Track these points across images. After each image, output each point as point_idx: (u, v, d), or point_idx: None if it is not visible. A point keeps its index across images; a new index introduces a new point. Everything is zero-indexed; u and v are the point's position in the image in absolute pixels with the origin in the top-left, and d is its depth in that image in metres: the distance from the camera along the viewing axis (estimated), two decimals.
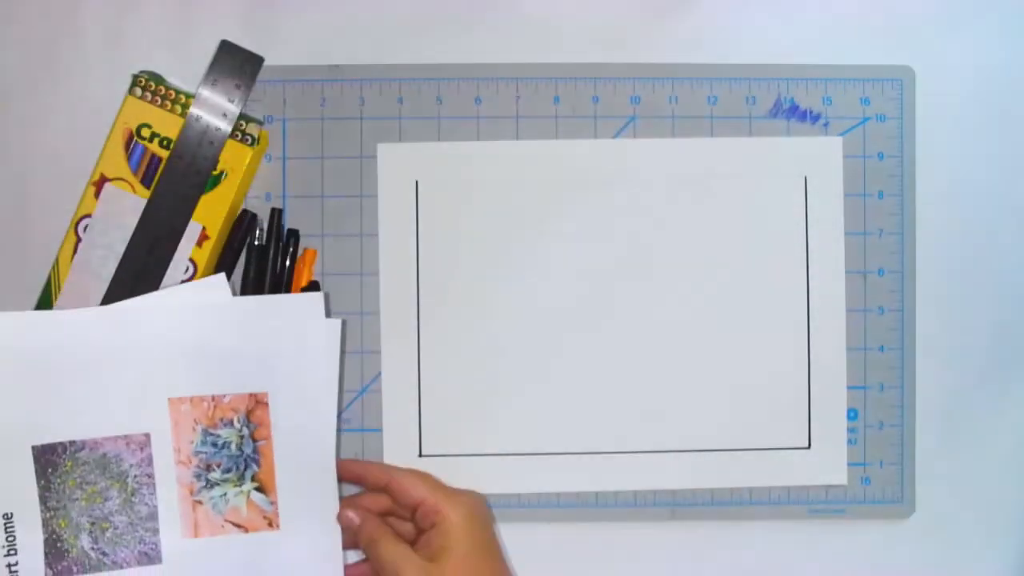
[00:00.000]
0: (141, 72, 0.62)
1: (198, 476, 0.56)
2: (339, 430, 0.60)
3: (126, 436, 0.56)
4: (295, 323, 0.57)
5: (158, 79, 0.62)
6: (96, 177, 0.62)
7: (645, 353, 0.64)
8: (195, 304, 0.57)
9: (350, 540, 0.58)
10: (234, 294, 0.64)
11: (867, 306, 0.65)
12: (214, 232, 0.62)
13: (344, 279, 0.64)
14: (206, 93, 0.62)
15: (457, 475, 0.63)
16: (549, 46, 0.65)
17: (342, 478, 0.59)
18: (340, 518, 0.57)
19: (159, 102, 0.62)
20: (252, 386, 0.57)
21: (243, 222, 0.63)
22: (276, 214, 0.64)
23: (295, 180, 0.65)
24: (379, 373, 0.64)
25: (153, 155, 0.62)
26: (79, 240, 0.62)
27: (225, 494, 0.56)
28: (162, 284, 0.61)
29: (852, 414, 0.65)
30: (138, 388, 0.56)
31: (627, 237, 0.65)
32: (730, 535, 0.65)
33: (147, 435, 0.56)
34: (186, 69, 0.63)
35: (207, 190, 0.62)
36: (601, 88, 0.65)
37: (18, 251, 0.64)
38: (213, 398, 0.57)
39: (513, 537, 0.64)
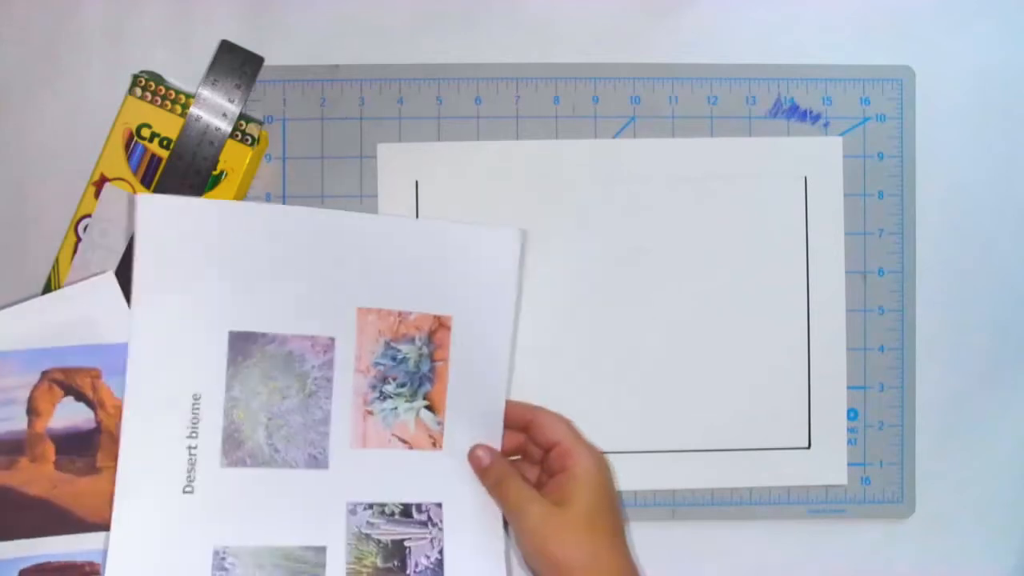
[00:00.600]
0: (141, 72, 0.62)
1: (373, 387, 0.57)
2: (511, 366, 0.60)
3: (312, 337, 0.57)
4: (491, 256, 0.59)
5: (158, 79, 0.63)
6: (96, 177, 0.62)
7: (645, 353, 0.64)
8: (392, 221, 0.59)
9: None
10: None
11: (867, 306, 0.65)
12: None
13: None
14: (206, 93, 0.62)
15: None
16: (549, 46, 0.65)
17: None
18: (470, 457, 0.58)
19: (159, 102, 0.62)
20: (439, 308, 0.58)
21: None
22: None
23: (295, 180, 0.65)
24: None
25: (153, 155, 0.62)
26: (79, 240, 0.62)
27: (396, 408, 0.57)
28: None
29: (852, 414, 0.65)
30: (330, 293, 0.57)
31: (627, 237, 0.65)
32: (730, 535, 0.65)
33: (332, 339, 0.57)
34: (186, 69, 0.63)
35: (207, 190, 0.62)
36: (601, 88, 0.65)
37: (18, 251, 0.64)
38: (400, 313, 0.57)
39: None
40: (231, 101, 0.62)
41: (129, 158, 0.62)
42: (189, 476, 0.55)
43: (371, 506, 0.56)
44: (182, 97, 0.62)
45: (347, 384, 0.57)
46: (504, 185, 0.65)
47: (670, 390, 0.64)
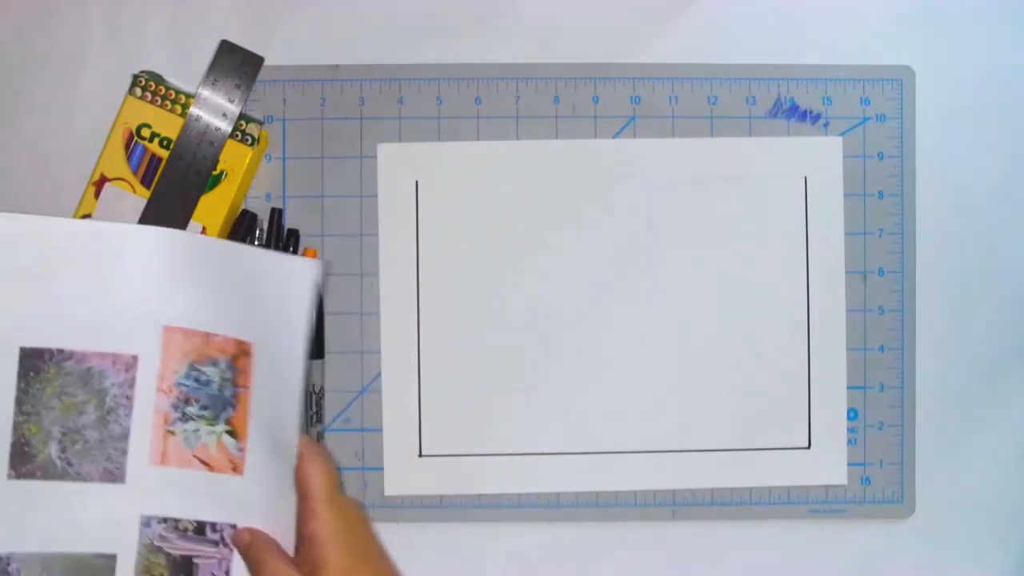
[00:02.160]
0: (141, 72, 0.62)
1: (175, 407, 0.56)
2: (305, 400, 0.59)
3: (114, 354, 0.56)
4: (288, 285, 0.57)
5: (158, 79, 0.63)
6: (96, 177, 0.62)
7: (645, 353, 0.64)
8: (197, 242, 0.57)
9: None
10: None
11: (867, 306, 0.65)
12: (214, 232, 0.62)
13: (344, 279, 0.64)
14: (206, 93, 0.62)
15: (457, 475, 0.64)
16: (549, 46, 0.65)
17: None
18: (233, 539, 0.57)
19: (159, 102, 0.62)
20: (241, 333, 0.57)
21: (243, 222, 0.63)
22: (276, 214, 0.64)
23: (295, 180, 0.65)
24: (379, 373, 0.64)
25: (153, 155, 0.62)
26: None
27: (198, 430, 0.56)
28: None
29: (852, 414, 0.65)
30: (133, 310, 0.56)
31: (627, 237, 0.65)
32: (730, 535, 0.65)
33: (135, 357, 0.56)
34: (186, 69, 0.63)
35: (207, 190, 0.62)
36: (601, 88, 0.65)
37: None
38: (206, 335, 0.56)
39: (513, 537, 0.64)
40: (231, 101, 0.62)
41: (129, 158, 0.62)
42: None
43: (165, 520, 0.56)
44: (182, 97, 0.62)
45: (148, 402, 0.56)
46: (504, 185, 0.65)
47: (670, 390, 0.64)
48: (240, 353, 0.57)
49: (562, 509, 0.65)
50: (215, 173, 0.62)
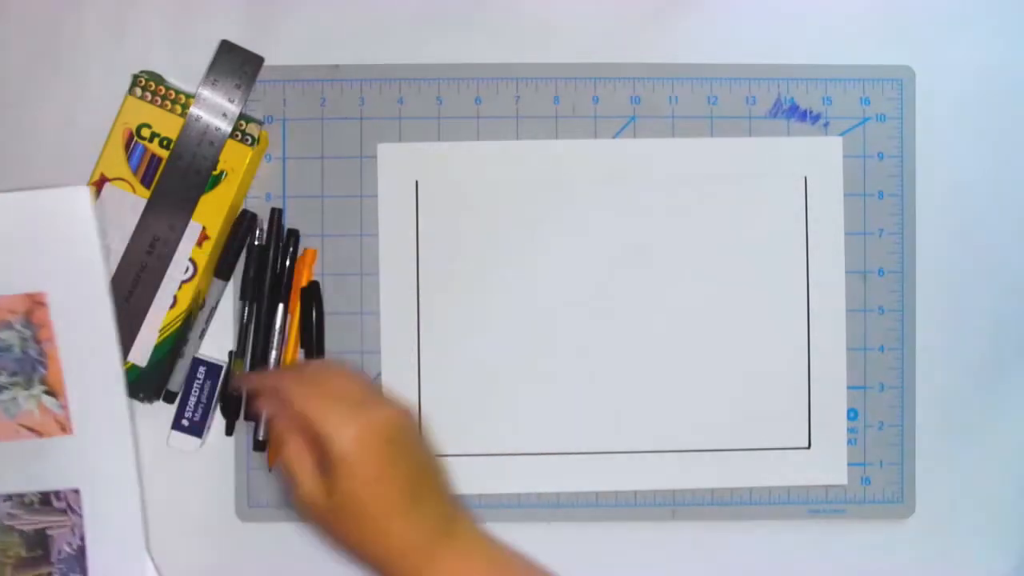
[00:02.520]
0: (141, 72, 0.62)
1: None
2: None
3: None
4: (61, 219, 0.56)
5: (158, 79, 0.63)
6: (96, 177, 0.62)
7: (645, 353, 0.64)
8: None
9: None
10: (236, 295, 0.64)
11: (867, 306, 0.65)
12: (214, 232, 0.62)
13: (344, 279, 0.64)
14: (206, 93, 0.62)
15: (457, 475, 0.63)
16: (549, 46, 0.65)
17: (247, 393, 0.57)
18: (259, 406, 0.54)
19: (159, 102, 0.62)
20: (28, 286, 0.55)
21: (243, 222, 0.63)
22: (276, 214, 0.64)
23: (295, 180, 0.64)
24: (379, 373, 0.64)
25: (153, 155, 0.62)
26: None
27: (15, 398, 0.55)
28: (162, 284, 0.61)
29: (852, 414, 0.65)
30: None
31: (627, 237, 0.65)
32: (730, 535, 0.65)
33: None
34: (186, 69, 0.63)
35: (207, 190, 0.62)
36: (601, 88, 0.65)
37: None
38: None
39: (513, 537, 0.63)
40: (231, 101, 0.62)
41: (129, 158, 0.62)
42: None
43: (10, 497, 0.56)
44: (182, 97, 0.62)
45: None
46: (504, 185, 0.65)
47: (670, 390, 0.64)
48: (34, 306, 0.55)
49: (562, 509, 0.65)
50: (215, 173, 0.62)
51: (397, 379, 0.64)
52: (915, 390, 0.65)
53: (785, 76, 0.65)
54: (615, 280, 0.65)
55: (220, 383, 0.63)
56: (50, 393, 0.55)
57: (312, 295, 0.63)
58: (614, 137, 0.65)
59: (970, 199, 0.66)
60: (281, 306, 0.63)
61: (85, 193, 0.55)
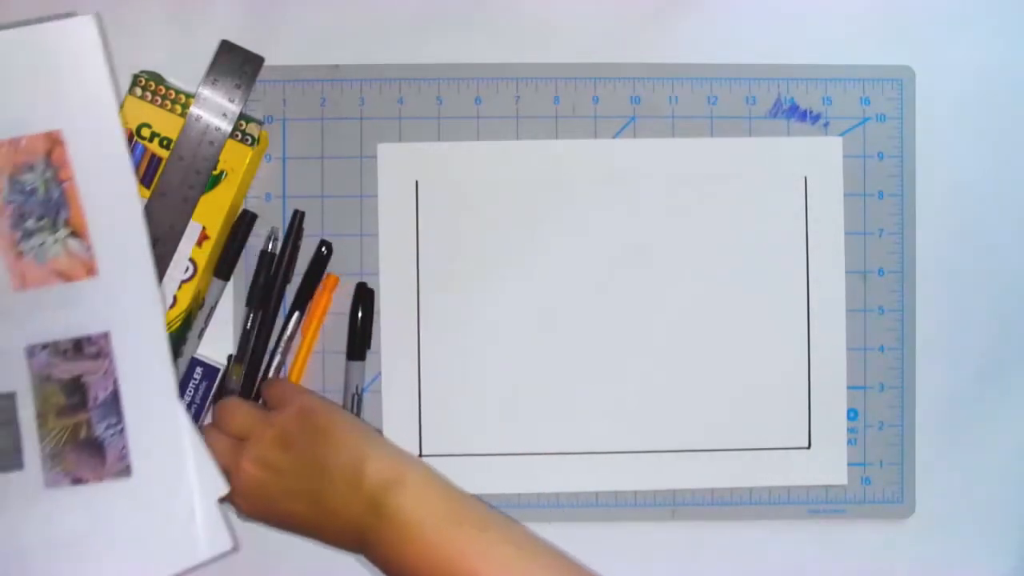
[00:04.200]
0: (141, 72, 0.62)
1: (15, 226, 0.56)
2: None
3: None
4: (70, 51, 0.56)
5: (158, 79, 0.62)
6: None
7: (645, 353, 0.64)
8: None
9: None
10: (234, 296, 0.64)
11: (867, 306, 0.65)
12: (214, 232, 0.62)
13: (344, 279, 0.64)
14: (206, 93, 0.62)
15: (457, 475, 0.63)
16: (549, 46, 0.65)
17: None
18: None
19: (159, 102, 0.62)
20: (44, 124, 0.55)
21: (243, 222, 0.63)
22: (298, 217, 0.64)
23: (295, 180, 0.65)
24: (379, 373, 0.64)
25: (153, 155, 0.62)
26: None
27: (44, 243, 0.56)
28: (161, 283, 0.61)
29: (852, 414, 0.65)
30: None
31: (627, 237, 0.65)
32: (730, 535, 0.65)
33: None
34: (186, 69, 0.63)
35: (207, 190, 0.62)
36: (601, 88, 0.65)
37: None
38: (10, 142, 0.56)
39: None
40: (231, 101, 0.62)
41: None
42: None
43: (46, 346, 0.57)
44: (182, 97, 0.62)
45: None
46: (504, 185, 0.65)
47: (670, 390, 0.64)
48: (52, 145, 0.55)
49: (562, 509, 0.65)
50: (215, 173, 0.62)
51: (397, 379, 0.64)
52: (915, 390, 0.65)
53: (785, 76, 0.65)
54: (615, 280, 0.64)
55: (216, 386, 0.63)
56: (75, 235, 0.56)
57: (363, 296, 0.64)
58: (614, 137, 0.65)
59: (970, 199, 0.66)
60: (296, 314, 0.63)
61: (91, 22, 0.56)
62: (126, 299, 0.57)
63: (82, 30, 0.55)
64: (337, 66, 0.65)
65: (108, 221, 0.56)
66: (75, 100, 0.56)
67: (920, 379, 0.65)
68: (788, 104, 0.65)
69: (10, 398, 0.57)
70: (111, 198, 0.56)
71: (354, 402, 0.63)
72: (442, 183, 0.65)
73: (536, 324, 0.64)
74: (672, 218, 0.65)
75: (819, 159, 0.65)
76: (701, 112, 0.65)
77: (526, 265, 0.64)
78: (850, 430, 0.65)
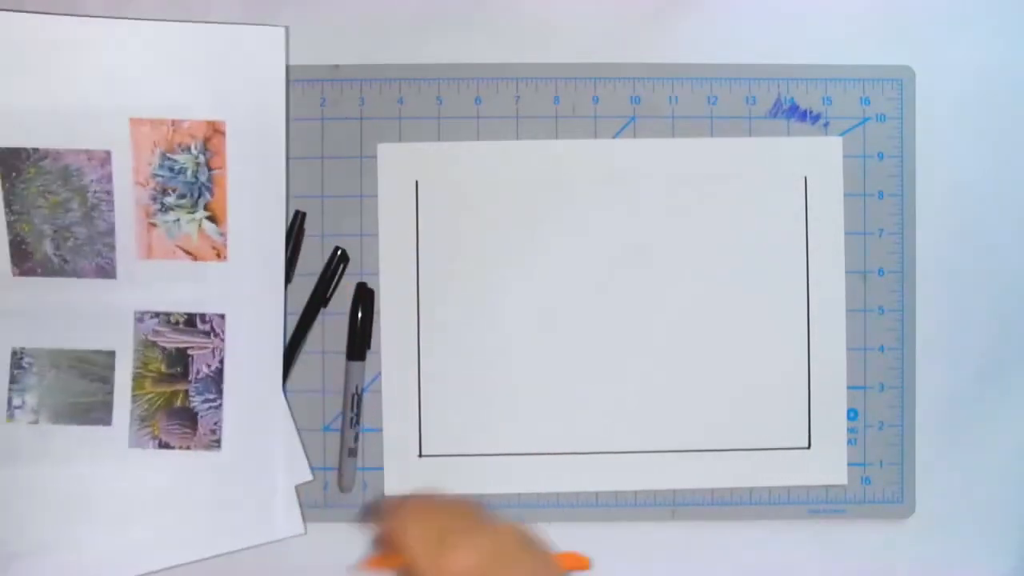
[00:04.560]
0: None
1: (154, 199, 0.58)
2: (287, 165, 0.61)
3: (87, 151, 0.58)
4: (253, 55, 0.59)
5: None
6: None
7: (645, 353, 0.64)
8: (156, 28, 0.59)
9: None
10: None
11: (867, 306, 0.65)
12: None
13: (344, 279, 0.64)
14: None
15: (457, 475, 0.64)
16: (549, 46, 0.65)
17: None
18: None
19: None
20: (211, 113, 0.58)
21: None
22: (300, 218, 0.63)
23: (295, 180, 0.64)
24: (379, 373, 0.64)
25: None
26: None
27: (178, 220, 0.58)
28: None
29: (852, 414, 0.65)
30: (99, 104, 0.58)
31: (627, 237, 0.65)
32: (730, 535, 0.65)
33: (108, 152, 0.58)
34: None
35: None
36: (601, 88, 0.65)
37: None
38: (173, 122, 0.58)
39: None
40: None
41: None
42: None
43: (157, 315, 0.59)
44: None
45: (128, 197, 0.58)
46: (504, 185, 0.65)
47: (670, 390, 0.64)
48: (213, 133, 0.57)
49: (562, 509, 0.65)
50: None
51: (397, 379, 0.64)
52: (915, 390, 0.65)
53: (785, 76, 0.65)
54: (615, 280, 0.64)
55: None
56: (212, 219, 0.59)
57: (363, 296, 0.64)
58: (614, 137, 0.65)
59: (970, 199, 0.66)
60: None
61: (280, 34, 0.59)
62: (249, 287, 0.59)
63: (272, 39, 0.59)
64: (337, 66, 0.65)
65: (249, 214, 0.59)
66: (247, 99, 0.58)
67: (920, 379, 0.65)
68: (788, 104, 0.65)
69: (110, 355, 0.59)
70: (257, 195, 0.59)
71: (354, 402, 0.63)
72: (442, 183, 0.65)
73: (536, 324, 0.64)
74: (672, 218, 0.65)
75: (819, 159, 0.65)
76: (701, 112, 0.65)
77: (526, 265, 0.64)
78: (850, 430, 0.65)
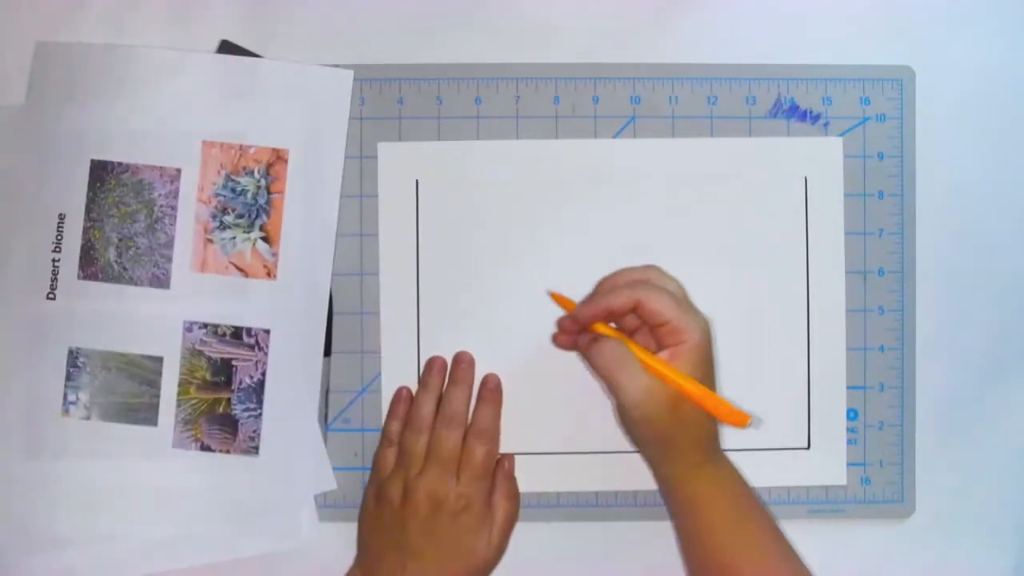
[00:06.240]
0: None
1: (214, 216, 0.62)
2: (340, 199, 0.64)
3: (161, 167, 0.62)
4: (322, 92, 0.63)
5: None
6: None
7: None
8: (236, 64, 0.63)
9: (570, 343, 0.62)
10: None
11: (867, 306, 0.65)
12: None
13: (344, 279, 0.64)
14: None
15: None
16: (549, 46, 0.65)
17: (584, 319, 0.60)
18: (570, 343, 0.62)
19: None
20: (277, 141, 0.62)
21: None
22: None
23: None
24: (379, 373, 0.64)
25: None
26: None
27: (234, 238, 0.62)
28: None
29: (852, 414, 0.65)
30: (178, 128, 0.62)
31: (627, 237, 0.65)
32: None
33: (178, 169, 0.62)
34: None
35: None
36: (601, 88, 0.65)
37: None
38: (241, 147, 0.62)
39: (514, 537, 0.64)
40: None
41: None
42: (52, 285, 0.62)
43: (205, 326, 0.62)
44: None
45: (190, 212, 0.62)
46: (504, 185, 0.65)
47: None
48: (276, 160, 0.62)
49: (562, 509, 0.65)
50: None
51: (397, 379, 0.64)
52: (915, 390, 0.65)
53: (785, 76, 0.65)
54: None
55: None
56: (265, 240, 0.62)
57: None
58: (614, 137, 0.65)
59: (970, 199, 0.66)
60: None
61: (349, 77, 0.63)
62: (295, 306, 0.62)
63: (340, 81, 0.63)
64: (337, 66, 0.65)
65: (300, 238, 0.62)
66: (312, 131, 0.62)
67: (920, 379, 0.65)
68: (788, 104, 0.65)
69: (158, 361, 0.62)
70: (310, 220, 0.62)
71: (321, 401, 0.64)
72: (442, 183, 0.65)
73: (536, 323, 0.64)
74: (672, 218, 0.65)
75: (819, 159, 0.65)
76: (701, 112, 0.65)
77: (526, 265, 0.64)
78: (850, 430, 0.65)
